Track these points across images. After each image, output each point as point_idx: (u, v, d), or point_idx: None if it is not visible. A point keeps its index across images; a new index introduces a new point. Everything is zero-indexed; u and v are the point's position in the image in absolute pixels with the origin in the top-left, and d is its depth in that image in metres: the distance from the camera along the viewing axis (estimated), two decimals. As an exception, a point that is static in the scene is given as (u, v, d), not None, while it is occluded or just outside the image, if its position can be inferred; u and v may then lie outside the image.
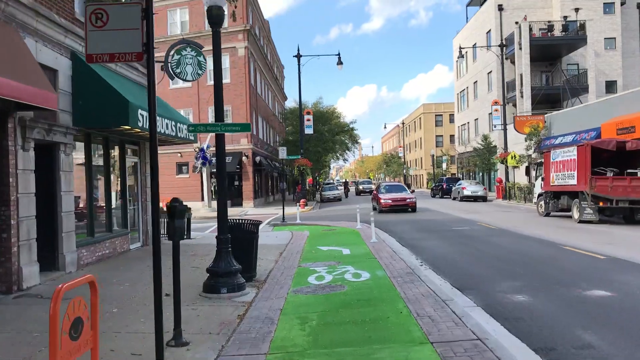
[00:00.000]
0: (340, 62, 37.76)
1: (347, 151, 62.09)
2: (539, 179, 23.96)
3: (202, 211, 32.66)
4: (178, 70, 14.36)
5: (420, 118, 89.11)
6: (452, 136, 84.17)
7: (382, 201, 27.88)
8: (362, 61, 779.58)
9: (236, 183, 37.92)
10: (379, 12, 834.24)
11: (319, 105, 48.79)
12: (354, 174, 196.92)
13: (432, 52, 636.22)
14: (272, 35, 55.39)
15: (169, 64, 13.82)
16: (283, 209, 23.52)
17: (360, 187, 64.99)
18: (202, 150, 32.72)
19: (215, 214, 31.13)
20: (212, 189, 37.55)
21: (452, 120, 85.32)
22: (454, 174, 66.07)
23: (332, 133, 48.63)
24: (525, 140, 34.48)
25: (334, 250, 13.44)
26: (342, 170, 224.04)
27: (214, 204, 35.13)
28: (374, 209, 29.00)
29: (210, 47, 8.65)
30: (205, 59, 14.19)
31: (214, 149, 8.84)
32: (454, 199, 40.35)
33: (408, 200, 27.90)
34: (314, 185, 58.71)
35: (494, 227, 18.38)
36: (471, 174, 53.50)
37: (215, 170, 39.12)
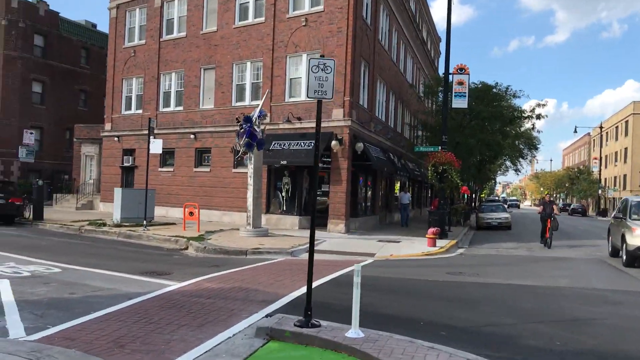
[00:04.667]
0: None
1: (520, 159, 42.69)
2: None
3: (239, 234, 17.35)
4: None
5: (627, 121, 64.48)
6: (679, 147, 59.01)
7: None
8: (542, 74, 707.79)
9: (324, 188, 21.86)
10: (565, 24, 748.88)
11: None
12: (524, 192, 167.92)
13: (623, 67, 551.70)
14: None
15: None
16: (308, 284, 6.83)
17: None
18: (248, 121, 17.36)
19: (263, 242, 11.82)
20: (283, 194, 22.07)
21: (680, 124, 60.14)
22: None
23: (503, 121, 30.24)
24: None
25: None
26: (509, 187, 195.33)
27: (266, 219, 19.70)
28: None
29: None
30: None
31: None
32: None
33: None
34: (469, 200, 39.99)
35: None
36: None
37: (281, 160, 16.53)
